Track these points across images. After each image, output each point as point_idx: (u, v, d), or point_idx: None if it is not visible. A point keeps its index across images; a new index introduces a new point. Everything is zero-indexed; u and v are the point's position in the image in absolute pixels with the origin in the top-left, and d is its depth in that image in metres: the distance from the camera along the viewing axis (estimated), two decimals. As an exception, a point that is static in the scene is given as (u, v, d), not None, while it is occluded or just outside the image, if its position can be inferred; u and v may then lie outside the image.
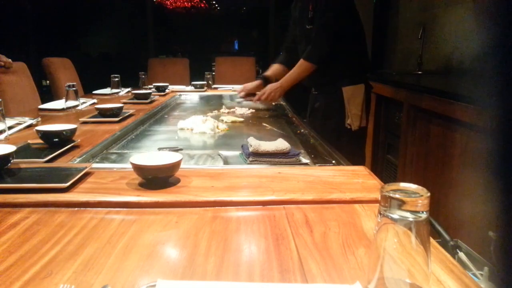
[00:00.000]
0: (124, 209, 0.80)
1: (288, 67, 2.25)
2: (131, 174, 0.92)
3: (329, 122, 2.07)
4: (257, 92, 2.19)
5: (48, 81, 3.12)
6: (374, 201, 0.82)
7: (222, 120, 1.81)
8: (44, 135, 1.23)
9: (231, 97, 2.68)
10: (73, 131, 1.28)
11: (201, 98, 2.84)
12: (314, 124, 2.11)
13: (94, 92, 2.73)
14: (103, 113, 1.72)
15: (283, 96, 2.62)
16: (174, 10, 5.81)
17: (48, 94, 3.09)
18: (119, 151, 1.36)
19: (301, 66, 2.04)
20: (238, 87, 3.11)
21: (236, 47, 6.17)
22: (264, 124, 1.80)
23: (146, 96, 2.34)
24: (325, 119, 2.09)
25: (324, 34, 1.99)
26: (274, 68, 2.38)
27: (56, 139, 1.23)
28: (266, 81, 2.31)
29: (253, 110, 2.15)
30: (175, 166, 0.90)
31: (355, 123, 2.02)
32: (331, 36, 1.98)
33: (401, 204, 0.45)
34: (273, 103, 2.29)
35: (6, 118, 1.44)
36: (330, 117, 2.08)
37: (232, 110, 2.14)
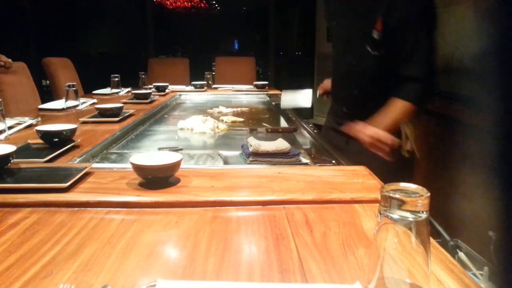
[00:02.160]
0: (124, 209, 0.80)
1: None
2: (131, 174, 0.92)
3: (352, 143, 1.50)
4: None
5: (48, 81, 3.13)
6: (374, 201, 0.82)
7: (222, 120, 1.81)
8: (44, 135, 1.23)
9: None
10: (73, 131, 1.28)
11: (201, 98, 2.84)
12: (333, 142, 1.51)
13: (94, 92, 2.73)
14: (103, 113, 1.72)
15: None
16: (174, 10, 5.82)
17: (48, 94, 3.10)
18: (119, 151, 1.36)
19: (406, 110, 1.42)
20: (238, 87, 3.13)
21: (236, 47, 6.18)
22: (264, 124, 1.80)
23: (146, 96, 2.34)
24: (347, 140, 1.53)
25: (430, 69, 1.41)
26: None
27: (56, 139, 1.23)
28: None
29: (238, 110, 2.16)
30: (175, 166, 0.90)
31: (417, 149, 1.53)
32: (433, 65, 1.43)
33: (401, 204, 0.45)
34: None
35: (6, 118, 1.44)
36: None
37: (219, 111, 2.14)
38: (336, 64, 1.70)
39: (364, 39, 1.43)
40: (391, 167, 1.34)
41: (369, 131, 1.39)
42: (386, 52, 1.42)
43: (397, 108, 1.41)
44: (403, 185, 0.47)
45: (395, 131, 1.44)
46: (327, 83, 1.88)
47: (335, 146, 1.38)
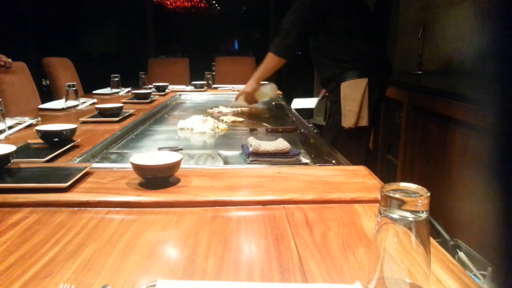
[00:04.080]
0: (124, 209, 0.80)
1: (286, 57, 2.15)
2: (131, 174, 0.92)
3: (329, 121, 2.02)
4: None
5: (48, 81, 3.13)
6: (374, 201, 0.82)
7: (222, 120, 1.81)
8: (44, 135, 1.23)
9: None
10: (73, 131, 1.28)
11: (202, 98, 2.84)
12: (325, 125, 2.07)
13: (94, 92, 2.73)
14: (103, 113, 1.72)
15: (283, 96, 2.61)
16: (174, 10, 5.82)
17: (48, 94, 3.10)
18: (119, 151, 1.36)
19: (266, 59, 1.99)
20: (238, 86, 3.12)
21: (236, 47, 6.17)
22: (264, 124, 1.80)
23: (146, 96, 2.34)
24: (328, 119, 2.04)
25: (289, 24, 1.91)
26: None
27: (56, 139, 1.23)
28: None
29: (238, 110, 2.17)
30: (175, 166, 0.90)
31: (348, 121, 1.87)
32: (298, 28, 1.90)
33: (401, 204, 0.45)
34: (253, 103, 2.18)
35: (6, 118, 1.44)
36: (330, 116, 2.03)
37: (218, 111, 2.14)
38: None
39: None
40: (338, 138, 1.91)
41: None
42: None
43: (265, 59, 2.00)
44: (403, 185, 0.47)
45: (264, 78, 2.06)
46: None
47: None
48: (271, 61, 1.98)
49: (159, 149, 1.30)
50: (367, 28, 2.02)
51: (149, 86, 2.92)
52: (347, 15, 1.95)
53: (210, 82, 3.25)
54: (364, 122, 1.88)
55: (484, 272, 1.08)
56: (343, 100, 1.89)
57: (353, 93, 1.87)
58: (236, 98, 2.12)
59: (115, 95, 2.65)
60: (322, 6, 1.89)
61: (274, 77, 2.26)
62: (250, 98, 2.09)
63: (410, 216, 0.45)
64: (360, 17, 2.00)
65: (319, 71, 2.09)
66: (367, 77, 1.87)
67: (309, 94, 2.25)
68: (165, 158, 0.91)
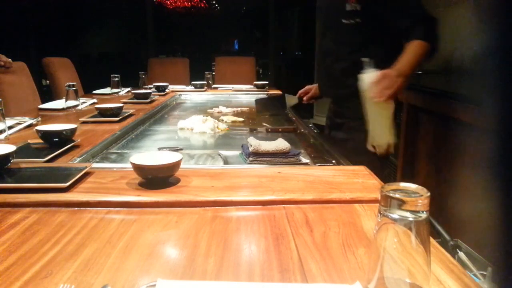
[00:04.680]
0: (124, 209, 0.80)
1: None
2: (131, 174, 0.92)
3: (351, 142, 1.64)
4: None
5: (48, 81, 3.13)
6: (374, 201, 0.82)
7: (222, 120, 1.81)
8: (44, 135, 1.23)
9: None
10: (73, 131, 1.28)
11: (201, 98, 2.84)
12: (334, 141, 1.64)
13: (94, 92, 2.73)
14: (103, 113, 1.72)
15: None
16: (174, 10, 5.82)
17: (48, 94, 3.09)
18: (119, 151, 1.36)
19: (420, 49, 1.46)
20: (238, 86, 3.13)
21: (236, 47, 6.18)
22: (264, 124, 1.80)
23: (146, 96, 2.34)
24: (347, 138, 1.66)
25: (424, 13, 1.49)
26: None
27: (56, 139, 1.23)
28: None
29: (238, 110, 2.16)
30: (175, 166, 0.90)
31: (381, 146, 1.55)
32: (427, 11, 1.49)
33: (401, 204, 0.45)
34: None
35: (6, 118, 1.44)
36: (351, 136, 1.64)
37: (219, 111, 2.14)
38: (321, 60, 1.81)
39: (339, 15, 1.56)
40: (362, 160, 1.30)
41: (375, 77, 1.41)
42: (364, 19, 1.51)
43: (410, 48, 1.45)
44: (403, 185, 0.47)
45: (414, 70, 1.53)
46: (309, 88, 2.00)
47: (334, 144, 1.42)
48: (425, 54, 1.47)
49: (159, 149, 1.30)
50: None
51: (149, 86, 2.92)
52: None
53: (210, 82, 3.25)
54: (392, 148, 1.60)
55: (484, 272, 1.08)
56: (372, 121, 1.54)
57: (382, 113, 1.54)
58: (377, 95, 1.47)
59: (115, 95, 2.65)
60: None
61: (274, 77, 2.25)
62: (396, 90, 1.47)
63: (410, 216, 0.45)
64: None
65: (340, 83, 1.67)
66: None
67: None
68: (165, 158, 0.91)
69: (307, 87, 2.02)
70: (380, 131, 1.53)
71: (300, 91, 2.04)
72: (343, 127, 1.71)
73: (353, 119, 1.63)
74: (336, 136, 1.72)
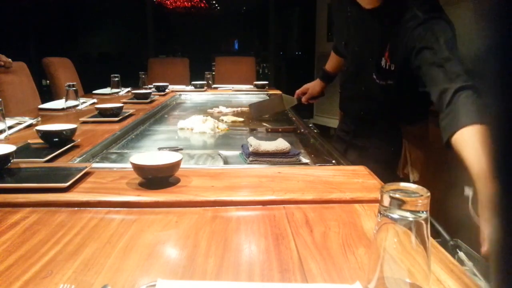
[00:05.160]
0: (124, 209, 0.80)
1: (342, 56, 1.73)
2: (131, 174, 0.92)
3: (375, 165, 1.32)
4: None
5: (48, 81, 3.13)
6: (374, 201, 0.82)
7: (222, 120, 1.81)
8: (44, 135, 1.23)
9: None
10: (73, 131, 1.28)
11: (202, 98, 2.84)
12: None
13: (94, 92, 2.73)
14: (103, 113, 1.72)
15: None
16: (174, 10, 5.82)
17: (48, 94, 3.09)
18: (119, 151, 1.36)
19: (484, 133, 0.64)
20: (238, 86, 3.13)
21: (236, 47, 6.18)
22: (264, 124, 1.80)
23: (146, 96, 2.34)
24: (370, 161, 1.32)
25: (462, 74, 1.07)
26: (333, 60, 1.83)
27: (56, 139, 1.23)
28: (329, 79, 1.88)
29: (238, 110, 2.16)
30: (175, 166, 0.90)
31: (416, 172, 1.46)
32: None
33: (401, 203, 0.45)
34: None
35: (6, 118, 1.44)
36: (377, 160, 1.39)
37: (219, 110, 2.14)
38: (345, 80, 1.63)
39: (372, 67, 1.35)
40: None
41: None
42: (397, 81, 1.30)
43: (472, 142, 1.01)
44: (403, 185, 0.47)
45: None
46: (312, 87, 1.89)
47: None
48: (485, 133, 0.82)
49: (159, 149, 1.30)
50: None
51: (149, 86, 2.92)
52: None
53: (210, 82, 3.25)
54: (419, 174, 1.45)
55: (484, 272, 1.08)
56: (408, 145, 1.43)
57: (418, 138, 1.45)
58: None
59: (115, 95, 2.65)
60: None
61: (274, 77, 2.25)
62: None
63: (410, 216, 0.45)
64: None
65: (373, 113, 1.48)
66: (427, 118, 1.46)
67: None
68: (165, 158, 0.91)
69: (305, 86, 1.93)
70: (415, 160, 1.44)
71: (298, 91, 1.94)
72: (367, 151, 1.51)
73: (378, 146, 1.47)
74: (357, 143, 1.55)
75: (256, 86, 3.06)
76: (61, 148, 1.18)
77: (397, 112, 1.35)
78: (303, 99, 1.92)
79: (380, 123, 1.46)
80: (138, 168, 0.89)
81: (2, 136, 1.37)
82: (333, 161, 1.18)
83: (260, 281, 0.56)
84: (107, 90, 2.74)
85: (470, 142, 0.99)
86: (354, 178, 0.96)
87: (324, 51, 5.23)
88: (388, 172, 1.39)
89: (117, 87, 2.76)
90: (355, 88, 1.54)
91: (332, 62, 1.84)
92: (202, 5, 5.82)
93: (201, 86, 3.04)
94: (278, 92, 2.93)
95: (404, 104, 1.36)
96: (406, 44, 1.19)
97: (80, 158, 1.16)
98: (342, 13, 1.48)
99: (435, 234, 1.27)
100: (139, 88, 2.86)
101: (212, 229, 0.71)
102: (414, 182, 0.48)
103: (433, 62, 1.11)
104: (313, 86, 1.90)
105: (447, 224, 1.85)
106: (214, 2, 5.91)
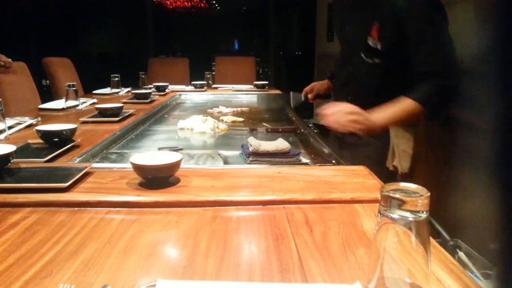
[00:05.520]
0: (124, 209, 0.80)
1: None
2: (131, 174, 0.92)
3: (361, 153, 1.50)
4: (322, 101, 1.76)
5: (48, 81, 3.13)
6: (374, 201, 0.82)
7: (222, 120, 1.81)
8: (44, 135, 1.23)
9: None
10: (73, 131, 1.28)
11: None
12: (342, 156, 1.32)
13: (94, 92, 2.73)
14: (103, 113, 1.72)
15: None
16: (174, 10, 5.82)
17: (48, 94, 3.09)
18: (119, 151, 1.36)
19: (411, 110, 1.31)
20: (238, 86, 3.13)
21: (236, 47, 6.18)
22: (264, 124, 1.80)
23: (146, 96, 2.34)
24: (355, 148, 1.52)
25: (442, 65, 1.30)
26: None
27: (56, 139, 1.23)
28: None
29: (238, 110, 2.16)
30: (175, 166, 0.90)
31: (404, 164, 1.47)
32: (447, 60, 1.32)
33: (401, 203, 0.45)
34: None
35: (6, 118, 1.44)
36: (368, 156, 1.47)
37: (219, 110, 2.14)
38: (337, 71, 1.70)
39: (361, 46, 1.41)
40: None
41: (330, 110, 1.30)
42: (384, 60, 1.38)
43: (400, 103, 1.31)
44: (403, 185, 0.47)
45: (394, 125, 1.41)
46: (319, 85, 1.89)
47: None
48: (416, 115, 1.36)
49: (159, 149, 1.30)
50: None
51: (149, 86, 2.92)
52: None
53: (210, 82, 3.25)
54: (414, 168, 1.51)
55: (484, 272, 1.09)
56: (395, 137, 1.47)
57: (405, 133, 1.48)
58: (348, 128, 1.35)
59: (115, 95, 2.65)
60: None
61: (274, 77, 2.24)
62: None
63: (410, 216, 0.45)
64: None
65: (360, 97, 1.50)
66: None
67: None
68: (165, 158, 0.91)
69: (312, 84, 1.90)
70: (404, 152, 1.48)
71: (306, 89, 1.91)
72: (356, 146, 1.54)
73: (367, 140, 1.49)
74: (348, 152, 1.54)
75: (256, 86, 3.06)
76: (61, 148, 1.18)
77: (383, 99, 1.35)
78: (310, 96, 1.90)
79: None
80: (138, 168, 0.89)
81: (2, 136, 1.37)
82: (333, 161, 1.18)
83: (260, 281, 0.56)
84: (107, 90, 2.74)
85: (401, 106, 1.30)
86: (354, 178, 0.96)
87: (324, 51, 5.23)
88: (380, 167, 1.43)
89: (117, 87, 2.76)
90: (345, 73, 1.59)
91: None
92: (202, 5, 5.82)
93: (201, 86, 3.04)
94: (278, 92, 2.93)
95: (390, 90, 1.37)
96: (394, 18, 1.32)
97: (80, 158, 1.16)
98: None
99: (435, 234, 1.27)
100: (139, 88, 2.86)
101: (212, 229, 0.71)
102: (414, 182, 0.48)
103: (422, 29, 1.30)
104: (321, 84, 1.90)
105: (447, 224, 1.85)
106: (214, 2, 5.91)
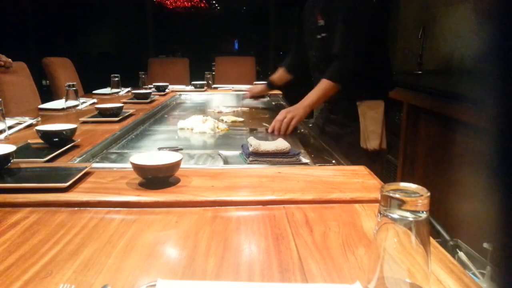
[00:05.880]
0: (124, 209, 0.80)
1: (291, 73, 2.14)
2: (131, 174, 0.92)
3: (341, 142, 1.76)
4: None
5: (48, 81, 3.13)
6: (374, 201, 0.82)
7: (222, 120, 1.81)
8: (44, 134, 1.23)
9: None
10: (73, 131, 1.28)
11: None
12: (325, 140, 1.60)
13: (94, 92, 2.73)
14: (103, 112, 1.72)
15: (283, 96, 2.63)
16: (174, 10, 5.81)
17: (48, 94, 3.09)
18: (119, 151, 1.36)
19: (324, 87, 1.65)
20: (238, 86, 3.13)
21: (236, 47, 6.18)
22: (264, 124, 1.80)
23: (146, 96, 2.34)
24: (338, 137, 1.78)
25: (351, 49, 1.63)
26: (280, 72, 2.19)
27: (56, 139, 1.23)
28: (271, 86, 2.24)
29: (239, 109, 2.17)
30: (175, 166, 0.90)
31: (373, 142, 1.70)
32: (360, 51, 1.63)
33: (401, 203, 0.45)
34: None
35: (6, 118, 1.44)
36: (343, 135, 1.78)
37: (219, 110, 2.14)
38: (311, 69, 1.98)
39: (313, 27, 1.80)
40: (361, 159, 1.53)
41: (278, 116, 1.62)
42: (327, 33, 1.73)
43: (320, 87, 1.66)
44: (403, 185, 0.47)
45: (317, 106, 1.77)
46: (256, 88, 2.32)
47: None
48: (330, 91, 1.66)
49: (159, 149, 1.30)
50: (386, 50, 1.92)
51: (149, 86, 2.92)
52: (381, 23, 1.94)
53: (210, 82, 3.24)
54: (384, 144, 1.75)
55: (483, 271, 1.09)
56: (364, 120, 1.72)
57: (373, 114, 1.72)
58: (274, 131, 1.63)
59: (115, 95, 2.65)
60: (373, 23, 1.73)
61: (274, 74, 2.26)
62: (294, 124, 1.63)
63: (410, 216, 0.45)
64: (384, 38, 1.93)
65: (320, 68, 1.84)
66: (383, 100, 1.75)
67: (307, 93, 2.17)
68: (165, 158, 0.91)
69: (250, 87, 2.38)
70: (372, 132, 1.72)
71: (248, 96, 2.37)
72: (334, 126, 1.86)
73: (342, 120, 1.82)
74: (328, 135, 1.84)
75: (255, 85, 3.05)
76: (61, 148, 1.18)
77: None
78: (246, 95, 2.35)
79: (338, 103, 1.80)
80: (138, 168, 0.89)
81: (2, 136, 1.37)
82: (333, 161, 1.18)
83: (260, 281, 0.56)
84: (107, 90, 2.74)
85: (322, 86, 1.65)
86: (354, 178, 0.96)
87: (324, 51, 5.22)
88: (356, 149, 1.71)
89: (117, 87, 2.76)
90: (312, 62, 1.92)
91: (279, 74, 2.20)
92: (202, 5, 5.82)
93: (201, 86, 3.04)
94: (278, 92, 2.93)
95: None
96: (331, 4, 1.71)
97: (80, 158, 1.16)
98: None
99: (435, 234, 1.27)
100: (139, 88, 2.86)
101: (212, 229, 0.71)
102: (414, 182, 0.48)
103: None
104: (255, 86, 2.40)
105: (447, 224, 1.85)
106: (214, 2, 5.91)
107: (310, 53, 1.91)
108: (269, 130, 1.60)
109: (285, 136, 1.53)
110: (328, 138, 1.71)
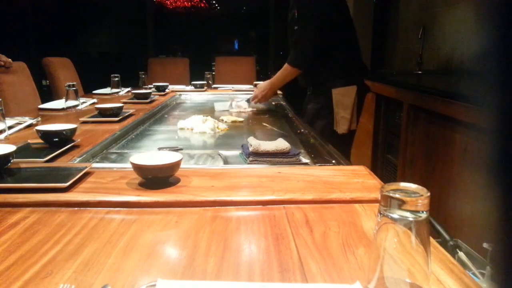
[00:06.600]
0: (124, 209, 0.80)
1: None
2: (131, 174, 0.92)
3: (316, 124, 2.00)
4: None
5: (48, 81, 3.12)
6: (374, 201, 0.82)
7: (222, 120, 1.81)
8: (44, 134, 1.23)
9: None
10: (73, 131, 1.28)
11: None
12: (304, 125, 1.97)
13: (94, 91, 2.73)
14: (103, 112, 1.72)
15: (283, 96, 2.64)
16: (174, 10, 5.81)
17: (48, 94, 3.09)
18: (119, 151, 1.36)
19: (284, 71, 2.06)
20: (238, 86, 3.13)
21: (236, 47, 6.17)
22: (264, 124, 1.80)
23: (146, 96, 2.34)
24: (313, 121, 2.03)
25: (305, 37, 1.94)
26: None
27: (56, 139, 1.23)
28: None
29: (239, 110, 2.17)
30: (175, 166, 0.91)
31: (342, 126, 1.97)
32: (312, 39, 1.93)
33: (401, 203, 0.45)
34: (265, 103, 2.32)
35: (6, 118, 1.44)
36: (317, 119, 2.03)
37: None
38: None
39: (292, 19, 2.04)
40: (333, 140, 1.69)
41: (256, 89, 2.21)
42: (299, 26, 1.98)
43: (282, 70, 2.08)
44: (403, 185, 0.47)
45: (280, 85, 2.15)
46: (260, 92, 2.33)
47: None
48: (290, 74, 2.06)
49: (159, 149, 1.30)
50: (354, 38, 2.11)
51: (149, 86, 2.92)
52: (343, 18, 2.07)
53: (210, 82, 3.24)
54: (354, 126, 2.01)
55: (483, 271, 1.09)
56: (336, 107, 1.97)
57: (345, 100, 1.96)
58: (254, 101, 2.22)
59: (115, 95, 2.65)
60: (325, 17, 1.96)
61: (275, 74, 2.27)
62: (265, 99, 2.23)
63: (410, 216, 0.45)
64: (349, 27, 2.09)
65: (305, 76, 2.11)
66: (356, 85, 1.98)
67: (305, 90, 2.26)
68: (165, 158, 0.91)
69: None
70: (342, 117, 1.96)
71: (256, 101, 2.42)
72: (311, 111, 2.11)
73: (318, 105, 2.07)
74: (306, 120, 2.06)
75: (256, 86, 3.05)
76: (61, 148, 1.18)
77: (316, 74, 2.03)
78: (253, 100, 2.40)
79: (316, 88, 2.09)
80: (138, 168, 0.89)
81: (2, 136, 1.37)
82: (333, 161, 1.18)
83: (260, 281, 0.56)
84: (107, 90, 2.74)
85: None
86: (354, 178, 0.96)
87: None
88: (329, 130, 1.98)
89: (117, 87, 2.76)
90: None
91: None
92: (202, 5, 5.81)
93: (201, 86, 3.04)
94: (278, 92, 2.93)
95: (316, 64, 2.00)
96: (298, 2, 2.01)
97: (80, 158, 1.16)
98: None
99: (435, 234, 1.27)
100: (139, 88, 2.86)
101: (212, 229, 0.71)
102: (414, 182, 0.48)
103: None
104: (261, 92, 2.47)
105: (447, 224, 1.85)
106: (214, 2, 5.90)
107: (290, 42, 2.13)
108: (251, 100, 2.20)
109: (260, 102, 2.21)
110: (308, 115, 2.08)
